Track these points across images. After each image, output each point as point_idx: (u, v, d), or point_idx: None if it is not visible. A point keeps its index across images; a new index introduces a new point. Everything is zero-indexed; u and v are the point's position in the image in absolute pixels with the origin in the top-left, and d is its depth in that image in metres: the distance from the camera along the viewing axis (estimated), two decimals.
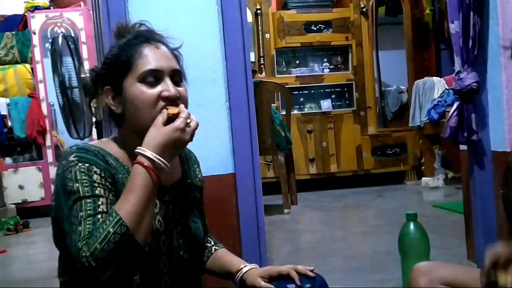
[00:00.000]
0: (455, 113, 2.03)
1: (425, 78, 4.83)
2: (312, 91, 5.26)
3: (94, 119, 2.90)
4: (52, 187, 1.13)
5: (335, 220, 3.93)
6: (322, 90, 5.27)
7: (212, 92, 1.86)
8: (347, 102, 5.26)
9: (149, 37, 1.13)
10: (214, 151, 1.87)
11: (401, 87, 5.42)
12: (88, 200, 1.02)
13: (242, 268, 1.25)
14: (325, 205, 4.37)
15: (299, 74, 5.19)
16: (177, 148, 1.07)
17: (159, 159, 1.02)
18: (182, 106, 1.08)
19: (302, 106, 5.24)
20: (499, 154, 1.99)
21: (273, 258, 2.70)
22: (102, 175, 1.06)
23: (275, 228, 3.59)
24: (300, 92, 5.21)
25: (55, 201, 1.07)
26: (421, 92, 4.76)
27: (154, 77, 1.09)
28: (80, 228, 0.99)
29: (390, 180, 5.09)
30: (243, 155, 1.94)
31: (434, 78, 4.76)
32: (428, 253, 1.81)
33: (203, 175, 1.33)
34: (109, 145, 1.15)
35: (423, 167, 4.99)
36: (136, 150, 1.04)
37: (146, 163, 1.02)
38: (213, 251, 1.33)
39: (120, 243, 0.97)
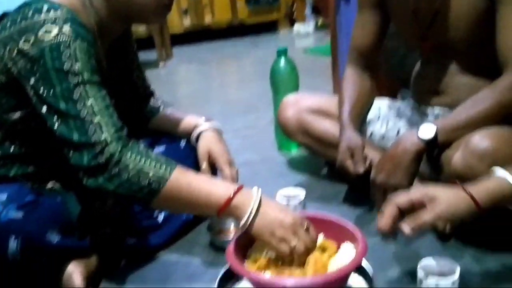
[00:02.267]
0: None
1: None
2: None
3: None
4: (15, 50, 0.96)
5: (211, 71, 3.94)
6: None
7: None
8: None
9: None
10: None
11: None
12: (94, 87, 0.94)
13: (201, 125, 1.29)
14: (201, 58, 4.32)
15: None
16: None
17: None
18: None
19: None
20: None
21: None
22: (95, 57, 0.98)
23: (151, 81, 3.49)
24: None
25: (39, 74, 0.93)
26: None
27: None
28: (97, 119, 0.92)
29: (264, 30, 5.12)
30: None
31: None
32: (297, 87, 1.89)
33: None
34: (79, 9, 1.02)
35: (295, 15, 5.06)
36: (254, 193, 0.96)
37: (226, 208, 0.95)
38: (160, 109, 1.34)
39: (142, 192, 0.93)
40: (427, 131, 1.09)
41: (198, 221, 1.34)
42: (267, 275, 0.94)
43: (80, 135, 0.92)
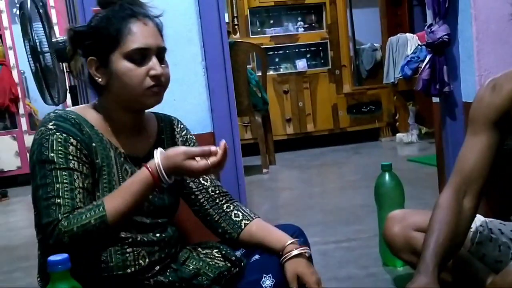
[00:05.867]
0: (428, 65, 2.07)
1: (398, 34, 4.87)
2: (287, 51, 5.25)
3: (68, 85, 2.85)
4: (28, 155, 1.17)
5: (312, 178, 4.01)
6: (297, 50, 5.26)
7: (188, 50, 1.85)
8: (322, 61, 5.27)
9: (137, 11, 1.14)
10: (192, 110, 1.87)
11: (375, 44, 5.44)
12: (64, 173, 1.06)
13: (290, 251, 1.22)
14: (302, 164, 4.44)
15: (273, 34, 5.16)
16: (183, 175, 1.16)
17: (164, 177, 1.08)
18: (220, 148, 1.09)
19: (277, 67, 5.23)
20: (470, 105, 2.05)
21: None
22: (78, 146, 1.10)
23: (255, 187, 3.65)
24: (275, 52, 5.19)
25: (31, 169, 1.10)
26: (394, 49, 4.80)
27: (141, 54, 1.12)
28: (59, 201, 1.04)
29: (366, 137, 5.18)
30: (221, 114, 1.95)
31: (407, 34, 4.80)
32: (403, 203, 1.88)
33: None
34: (87, 112, 1.18)
35: (397, 123, 5.09)
36: (156, 156, 1.08)
37: (154, 173, 1.07)
38: (243, 226, 1.29)
39: (96, 233, 1.04)
40: None
41: None
42: None
43: (43, 217, 1.04)
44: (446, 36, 2.00)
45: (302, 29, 5.27)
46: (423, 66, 2.13)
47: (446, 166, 2.31)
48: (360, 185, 3.33)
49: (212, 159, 1.07)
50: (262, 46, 4.58)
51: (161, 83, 1.15)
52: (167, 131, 1.31)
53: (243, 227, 1.30)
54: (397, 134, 5.00)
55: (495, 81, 1.25)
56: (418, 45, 4.51)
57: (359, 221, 2.54)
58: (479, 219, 1.45)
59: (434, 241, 1.16)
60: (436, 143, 2.44)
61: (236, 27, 4.98)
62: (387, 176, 1.86)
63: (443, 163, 2.36)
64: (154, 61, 1.13)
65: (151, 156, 1.12)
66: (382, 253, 1.93)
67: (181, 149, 1.09)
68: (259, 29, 5.21)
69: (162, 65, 1.15)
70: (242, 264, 1.28)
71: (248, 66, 4.22)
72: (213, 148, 1.08)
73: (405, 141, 4.84)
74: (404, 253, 1.54)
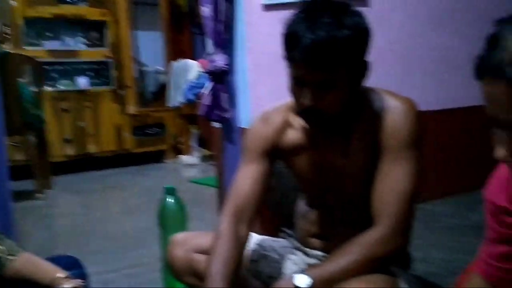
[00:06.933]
0: (209, 92, 2.18)
1: (181, 60, 5.03)
2: (67, 67, 4.93)
3: None
4: None
5: (94, 202, 3.82)
6: (77, 67, 4.98)
7: None
8: (105, 80, 5.09)
9: None
10: None
11: (160, 68, 5.52)
12: None
13: (60, 286, 1.11)
14: (83, 188, 4.19)
15: (51, 48, 4.80)
16: None
17: None
18: None
19: (55, 83, 4.86)
20: (245, 131, 2.22)
21: (26, 247, 2.47)
22: None
23: (27, 214, 3.28)
24: (53, 67, 4.83)
25: None
26: (177, 74, 4.94)
27: None
28: None
29: (151, 159, 5.17)
30: None
31: (189, 60, 4.99)
32: (186, 225, 1.91)
33: None
34: None
35: (181, 146, 5.23)
36: None
37: None
38: (6, 263, 1.15)
39: None
40: (302, 281, 1.13)
41: None
42: None
43: None
44: (225, 66, 2.14)
45: (84, 45, 5.03)
46: (205, 93, 2.24)
47: (225, 187, 2.45)
48: (144, 208, 3.29)
49: None
50: (37, 59, 4.20)
51: None
52: None
53: (6, 263, 1.16)
54: (181, 156, 5.13)
55: (267, 114, 1.35)
56: (200, 71, 4.72)
57: (143, 246, 2.49)
58: (254, 237, 1.55)
59: (218, 272, 1.20)
60: (217, 167, 2.58)
61: (7, 36, 4.46)
62: (170, 199, 1.87)
63: (223, 185, 2.49)
64: None
65: None
66: (165, 278, 1.92)
67: None
68: (34, 41, 4.77)
69: None
70: None
71: (21, 80, 3.82)
72: None
73: (187, 163, 5.00)
74: (186, 276, 1.55)
